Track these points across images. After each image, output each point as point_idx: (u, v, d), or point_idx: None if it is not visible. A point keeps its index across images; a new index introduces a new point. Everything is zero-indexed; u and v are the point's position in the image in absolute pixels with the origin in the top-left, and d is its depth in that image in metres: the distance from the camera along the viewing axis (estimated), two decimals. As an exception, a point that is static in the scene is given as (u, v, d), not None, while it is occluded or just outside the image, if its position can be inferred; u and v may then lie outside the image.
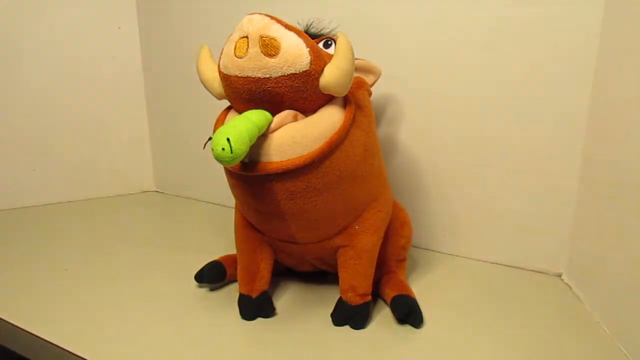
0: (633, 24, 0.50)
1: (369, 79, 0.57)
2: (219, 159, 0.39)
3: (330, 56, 0.44)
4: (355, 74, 0.52)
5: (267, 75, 0.41)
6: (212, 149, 0.39)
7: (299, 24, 0.52)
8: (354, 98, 0.48)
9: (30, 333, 0.52)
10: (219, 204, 0.93)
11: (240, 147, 0.39)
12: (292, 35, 0.41)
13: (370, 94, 0.56)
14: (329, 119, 0.46)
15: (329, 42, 0.47)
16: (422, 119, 0.69)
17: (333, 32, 0.51)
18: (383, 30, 0.68)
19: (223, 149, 0.38)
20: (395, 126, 0.71)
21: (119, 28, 0.92)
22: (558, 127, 0.61)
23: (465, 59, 0.64)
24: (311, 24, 0.53)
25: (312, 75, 0.42)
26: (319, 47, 0.44)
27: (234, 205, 0.57)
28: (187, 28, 0.87)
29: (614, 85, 0.54)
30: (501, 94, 0.63)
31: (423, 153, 0.70)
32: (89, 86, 0.92)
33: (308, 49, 0.41)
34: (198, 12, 0.85)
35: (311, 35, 0.48)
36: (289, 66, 0.41)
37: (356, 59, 0.47)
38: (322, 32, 0.51)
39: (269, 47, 0.40)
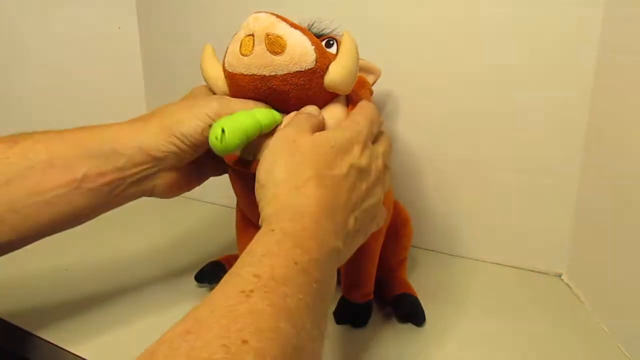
0: (633, 24, 0.50)
1: (369, 78, 0.58)
2: (211, 147, 0.42)
3: (333, 55, 0.44)
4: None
5: (273, 73, 0.42)
6: (208, 136, 0.42)
7: (300, 23, 0.52)
8: (357, 97, 0.49)
9: (30, 333, 0.52)
10: (219, 204, 0.93)
11: (233, 139, 0.41)
12: (297, 34, 0.41)
13: (371, 92, 0.56)
14: (333, 116, 0.46)
15: (331, 42, 0.47)
16: (421, 119, 0.69)
17: (334, 32, 0.52)
18: (383, 30, 0.68)
19: (216, 137, 0.40)
20: (395, 125, 0.71)
21: (119, 28, 0.92)
22: (558, 127, 0.61)
23: (465, 59, 0.64)
24: (313, 24, 0.53)
25: (317, 72, 0.42)
26: (323, 45, 0.45)
27: (234, 206, 0.57)
28: (187, 28, 0.87)
29: (614, 85, 0.54)
30: (501, 94, 0.63)
31: (423, 153, 0.70)
32: (89, 86, 0.92)
33: (313, 47, 0.42)
34: (198, 12, 0.85)
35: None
36: (294, 64, 0.41)
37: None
38: (324, 32, 0.51)
39: (275, 45, 0.40)
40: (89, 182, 0.44)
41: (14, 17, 0.84)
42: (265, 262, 0.29)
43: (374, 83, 0.59)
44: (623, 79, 0.52)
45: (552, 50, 0.59)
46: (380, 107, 0.71)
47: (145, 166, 0.47)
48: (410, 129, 0.70)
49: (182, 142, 0.46)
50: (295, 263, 0.29)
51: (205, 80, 0.48)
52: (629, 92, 0.51)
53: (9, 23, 0.84)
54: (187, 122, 0.45)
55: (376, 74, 0.59)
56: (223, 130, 0.40)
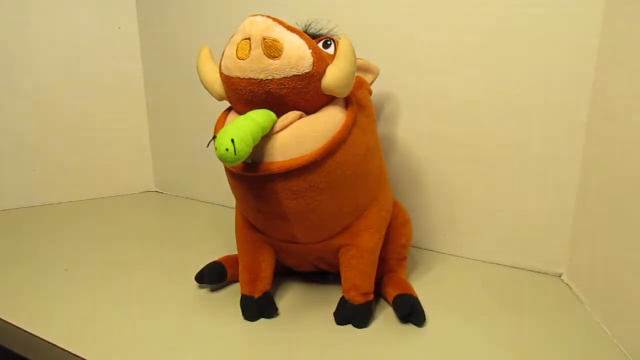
0: (633, 24, 0.50)
1: (367, 77, 0.58)
2: (222, 159, 0.40)
3: (331, 56, 0.44)
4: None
5: (270, 77, 0.41)
6: (216, 149, 0.40)
7: (297, 24, 0.52)
8: (355, 98, 0.48)
9: (30, 333, 0.52)
10: (219, 204, 0.93)
11: (244, 148, 0.39)
12: (294, 37, 0.41)
13: (370, 92, 0.56)
14: (331, 118, 0.46)
15: (328, 42, 0.47)
16: (421, 119, 0.69)
17: (332, 32, 0.52)
18: (382, 30, 0.68)
19: (227, 149, 0.39)
20: (394, 125, 0.71)
21: (119, 28, 0.92)
22: (558, 127, 0.61)
23: (465, 59, 0.64)
24: (310, 25, 0.53)
25: (314, 76, 0.42)
26: (320, 48, 0.44)
27: (234, 206, 0.57)
28: (187, 28, 0.87)
29: (614, 86, 0.54)
30: (501, 94, 0.63)
31: (423, 153, 0.70)
32: (89, 86, 0.92)
33: (310, 50, 0.41)
34: (198, 12, 0.85)
35: (310, 36, 0.48)
36: (291, 68, 0.41)
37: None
38: (321, 32, 0.51)
39: (272, 49, 0.40)
40: None
41: (14, 18, 0.84)
42: None
43: (372, 82, 0.59)
44: (623, 79, 0.52)
45: (552, 51, 0.59)
46: (379, 108, 0.71)
47: None
48: (410, 130, 0.70)
49: None
50: None
51: (202, 83, 0.47)
52: (629, 92, 0.50)
53: (9, 23, 0.84)
54: None
55: (374, 72, 0.59)
56: (232, 141, 0.38)
